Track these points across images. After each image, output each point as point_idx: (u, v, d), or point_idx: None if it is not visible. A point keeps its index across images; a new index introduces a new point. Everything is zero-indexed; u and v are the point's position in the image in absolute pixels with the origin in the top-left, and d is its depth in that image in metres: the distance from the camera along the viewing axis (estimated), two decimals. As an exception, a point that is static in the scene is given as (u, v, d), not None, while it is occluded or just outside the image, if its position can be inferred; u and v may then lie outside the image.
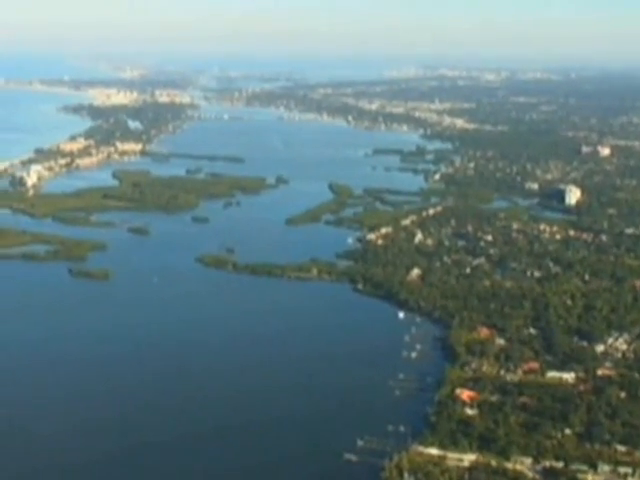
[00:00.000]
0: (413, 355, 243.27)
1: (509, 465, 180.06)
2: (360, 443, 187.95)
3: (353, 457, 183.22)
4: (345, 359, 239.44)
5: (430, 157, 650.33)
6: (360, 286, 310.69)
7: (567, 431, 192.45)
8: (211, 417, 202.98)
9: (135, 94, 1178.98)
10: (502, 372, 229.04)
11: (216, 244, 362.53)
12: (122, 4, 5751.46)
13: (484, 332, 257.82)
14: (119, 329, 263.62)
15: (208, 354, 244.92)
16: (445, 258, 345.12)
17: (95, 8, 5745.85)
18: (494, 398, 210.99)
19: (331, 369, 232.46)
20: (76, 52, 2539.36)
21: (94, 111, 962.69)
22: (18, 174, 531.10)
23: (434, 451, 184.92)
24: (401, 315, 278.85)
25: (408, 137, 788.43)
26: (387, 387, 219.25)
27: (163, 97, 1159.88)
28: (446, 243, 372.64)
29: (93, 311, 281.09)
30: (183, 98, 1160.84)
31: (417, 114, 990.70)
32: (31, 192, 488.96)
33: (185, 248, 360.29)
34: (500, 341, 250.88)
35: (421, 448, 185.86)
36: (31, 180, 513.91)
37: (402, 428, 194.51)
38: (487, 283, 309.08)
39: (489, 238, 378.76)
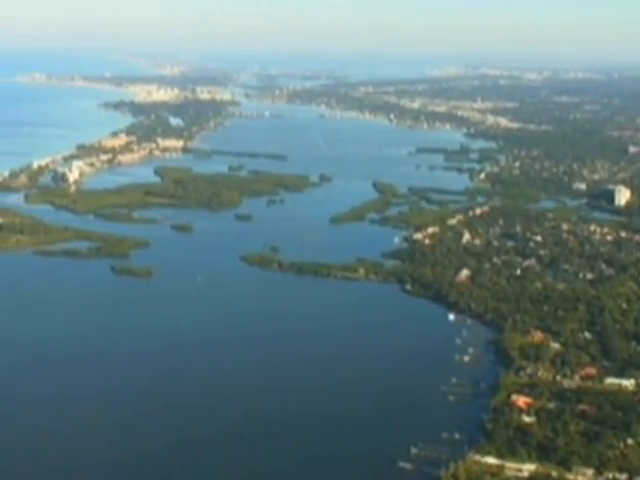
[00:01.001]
0: (465, 359, 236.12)
1: (570, 476, 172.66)
2: (414, 451, 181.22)
3: (407, 465, 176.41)
4: (396, 362, 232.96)
5: (474, 156, 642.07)
6: (408, 286, 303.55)
7: (629, 441, 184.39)
8: (259, 416, 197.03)
9: (176, 91, 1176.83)
10: (558, 378, 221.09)
11: (260, 242, 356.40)
12: (161, 1, 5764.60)
13: (538, 336, 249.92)
14: (165, 327, 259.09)
15: (256, 354, 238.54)
16: (494, 259, 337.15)
17: (134, 5, 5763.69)
18: (551, 405, 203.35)
19: (382, 372, 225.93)
20: (116, 49, 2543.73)
21: (135, 107, 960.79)
22: (60, 170, 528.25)
23: (491, 460, 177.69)
24: (451, 317, 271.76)
25: (451, 136, 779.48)
26: (440, 392, 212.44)
27: (204, 94, 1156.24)
28: (495, 243, 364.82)
29: (138, 309, 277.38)
30: (224, 95, 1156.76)
31: (460, 113, 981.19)
32: (73, 188, 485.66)
33: (229, 246, 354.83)
34: (555, 345, 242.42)
35: (478, 457, 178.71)
36: (73, 176, 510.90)
37: (457, 435, 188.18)
38: (539, 285, 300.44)
39: (538, 239, 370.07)
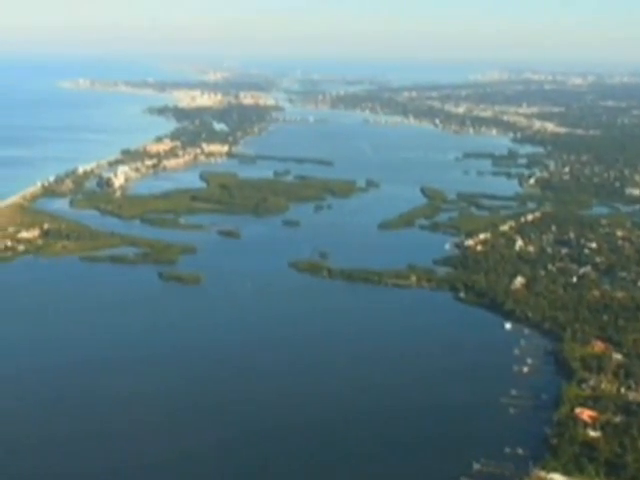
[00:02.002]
0: (525, 370, 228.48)
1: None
2: (476, 466, 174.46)
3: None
4: (453, 373, 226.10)
5: (522, 161, 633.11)
6: (462, 294, 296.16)
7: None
8: (318, 434, 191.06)
9: (219, 96, 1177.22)
10: (623, 390, 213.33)
11: (308, 249, 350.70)
12: (200, 7, 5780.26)
13: (599, 346, 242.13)
14: (219, 335, 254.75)
15: (310, 366, 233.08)
16: (549, 266, 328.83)
17: (175, 11, 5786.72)
18: (617, 419, 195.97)
19: (439, 384, 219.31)
20: (159, 55, 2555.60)
21: (179, 113, 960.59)
22: (105, 175, 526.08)
23: (558, 477, 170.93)
24: (508, 326, 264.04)
25: (498, 141, 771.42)
26: (500, 404, 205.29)
27: (247, 99, 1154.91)
28: (549, 250, 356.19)
29: (189, 316, 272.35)
30: (267, 100, 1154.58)
31: (505, 118, 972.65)
32: (118, 193, 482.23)
33: (277, 252, 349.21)
34: (617, 356, 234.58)
35: (543, 473, 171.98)
36: (118, 181, 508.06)
37: (520, 450, 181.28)
38: (596, 293, 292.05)
39: (593, 245, 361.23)
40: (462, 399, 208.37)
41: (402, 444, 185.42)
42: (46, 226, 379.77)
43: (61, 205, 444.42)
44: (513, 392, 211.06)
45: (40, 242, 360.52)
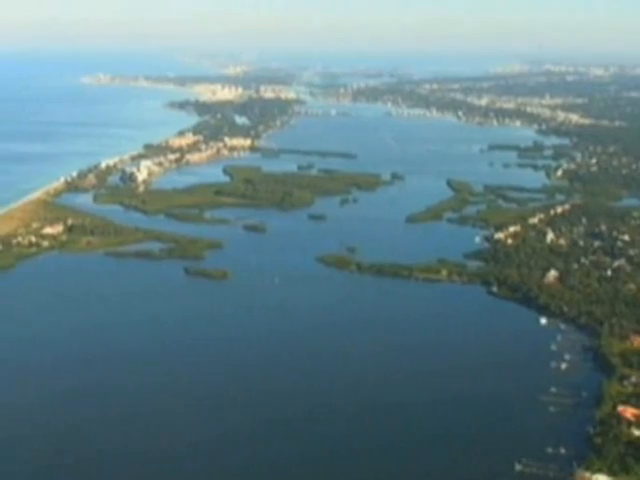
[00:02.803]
0: (563, 366, 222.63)
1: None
2: (518, 467, 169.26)
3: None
4: (490, 369, 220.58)
5: (548, 153, 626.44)
6: (494, 289, 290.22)
7: None
8: (352, 435, 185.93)
9: (240, 90, 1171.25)
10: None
11: (335, 243, 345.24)
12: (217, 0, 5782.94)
13: (638, 341, 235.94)
14: (252, 333, 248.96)
15: (346, 363, 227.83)
16: (582, 259, 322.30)
17: (193, 5, 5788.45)
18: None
19: (475, 381, 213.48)
20: (178, 49, 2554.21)
21: (200, 107, 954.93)
22: (128, 170, 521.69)
23: (603, 478, 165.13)
24: (543, 321, 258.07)
25: (522, 132, 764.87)
26: (539, 402, 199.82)
27: (268, 93, 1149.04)
28: (580, 243, 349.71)
29: (218, 312, 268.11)
30: (288, 94, 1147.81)
31: (529, 109, 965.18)
32: (142, 188, 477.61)
33: (304, 247, 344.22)
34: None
35: (587, 474, 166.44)
36: (141, 176, 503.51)
37: (562, 450, 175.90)
38: (632, 287, 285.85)
39: (626, 238, 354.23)
40: (500, 396, 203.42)
41: (441, 441, 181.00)
42: (70, 221, 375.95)
43: (84, 200, 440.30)
44: (552, 389, 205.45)
45: (64, 238, 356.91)
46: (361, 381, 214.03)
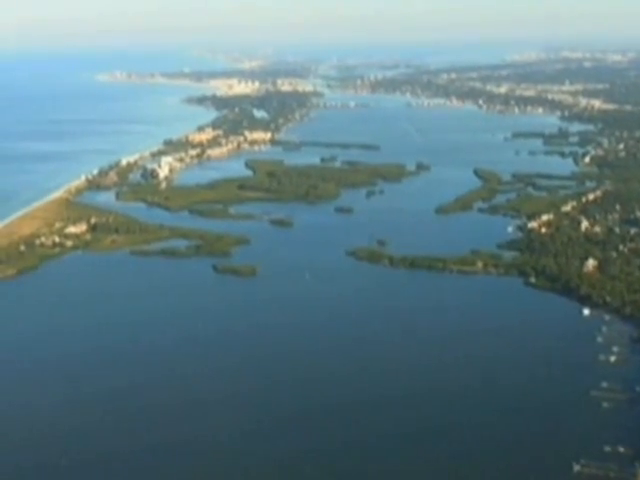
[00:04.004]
0: (612, 359, 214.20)
1: None
2: (577, 467, 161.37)
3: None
4: (535, 364, 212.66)
5: (574, 139, 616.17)
6: (532, 279, 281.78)
7: None
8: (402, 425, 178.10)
9: (257, 84, 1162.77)
10: None
11: (365, 236, 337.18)
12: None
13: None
14: (288, 330, 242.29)
15: (385, 356, 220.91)
16: (620, 247, 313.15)
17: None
18: None
19: (521, 376, 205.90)
20: (193, 45, 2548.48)
21: (218, 101, 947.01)
22: (149, 166, 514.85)
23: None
24: (586, 312, 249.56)
25: (545, 119, 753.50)
26: (591, 398, 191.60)
27: (285, 86, 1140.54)
28: (616, 230, 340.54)
29: (252, 310, 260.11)
30: (305, 87, 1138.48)
31: (550, 96, 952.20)
32: (164, 184, 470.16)
33: (332, 241, 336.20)
34: None
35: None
36: (163, 172, 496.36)
37: (621, 449, 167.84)
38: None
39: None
40: (550, 393, 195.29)
41: (494, 444, 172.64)
42: (93, 220, 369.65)
43: (107, 198, 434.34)
44: (604, 384, 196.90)
45: (88, 237, 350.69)
46: (411, 378, 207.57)
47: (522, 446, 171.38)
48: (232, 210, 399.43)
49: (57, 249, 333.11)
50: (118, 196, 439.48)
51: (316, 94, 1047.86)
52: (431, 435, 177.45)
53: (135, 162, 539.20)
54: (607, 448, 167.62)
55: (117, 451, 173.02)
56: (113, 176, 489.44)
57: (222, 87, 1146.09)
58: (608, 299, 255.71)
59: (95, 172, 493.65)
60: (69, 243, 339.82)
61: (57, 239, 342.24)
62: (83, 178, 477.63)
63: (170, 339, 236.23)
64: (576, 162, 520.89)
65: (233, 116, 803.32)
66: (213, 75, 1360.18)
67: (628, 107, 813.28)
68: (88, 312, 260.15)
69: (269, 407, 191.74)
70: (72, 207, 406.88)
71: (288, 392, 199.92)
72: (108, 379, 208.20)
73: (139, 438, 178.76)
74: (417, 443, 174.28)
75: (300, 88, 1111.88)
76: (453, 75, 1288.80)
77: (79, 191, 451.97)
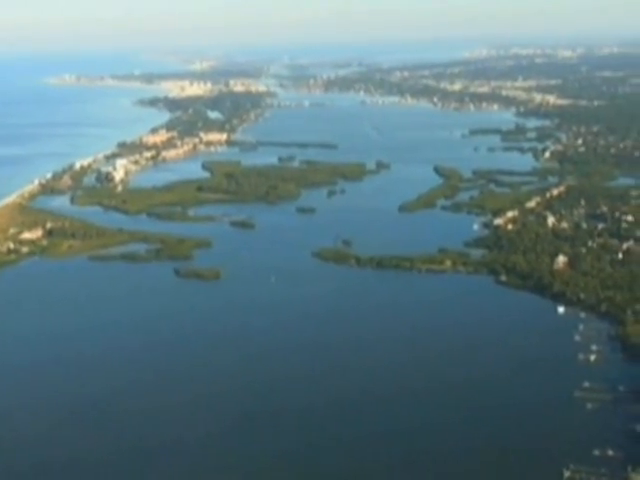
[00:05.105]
0: (592, 358, 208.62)
1: None
2: (567, 474, 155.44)
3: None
4: (515, 365, 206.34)
5: (532, 135, 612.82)
6: (503, 277, 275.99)
7: None
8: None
9: (209, 85, 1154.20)
10: None
11: (329, 236, 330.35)
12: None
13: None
14: (259, 334, 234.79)
15: (360, 360, 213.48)
16: (589, 243, 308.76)
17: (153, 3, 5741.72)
18: None
19: (501, 377, 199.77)
20: (143, 48, 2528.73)
21: (171, 103, 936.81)
22: (104, 169, 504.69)
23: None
24: (561, 310, 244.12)
25: (501, 116, 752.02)
26: (574, 399, 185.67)
27: (238, 86, 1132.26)
28: (584, 226, 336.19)
29: (219, 316, 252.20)
30: (258, 87, 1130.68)
31: (504, 92, 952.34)
32: (120, 188, 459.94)
33: (297, 242, 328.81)
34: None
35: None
36: (118, 175, 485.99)
37: (611, 452, 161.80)
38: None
39: (629, 218, 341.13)
40: (531, 395, 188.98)
41: (478, 449, 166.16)
42: (49, 225, 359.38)
43: (61, 202, 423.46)
44: (586, 384, 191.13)
45: (44, 242, 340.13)
46: (381, 380, 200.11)
47: (509, 453, 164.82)
48: (192, 212, 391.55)
49: (12, 255, 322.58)
50: (73, 200, 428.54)
51: (270, 94, 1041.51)
52: (408, 440, 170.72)
53: (89, 165, 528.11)
54: (596, 452, 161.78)
55: (79, 458, 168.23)
56: (67, 180, 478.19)
57: (174, 89, 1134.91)
58: (582, 296, 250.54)
59: (48, 176, 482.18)
60: (25, 249, 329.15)
61: (12, 245, 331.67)
62: (36, 182, 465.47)
63: (133, 345, 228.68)
64: (536, 158, 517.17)
65: (187, 117, 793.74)
66: (164, 77, 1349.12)
67: (582, 102, 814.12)
68: (48, 319, 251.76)
69: (237, 409, 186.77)
70: (26, 212, 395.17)
71: (254, 395, 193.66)
72: (67, 386, 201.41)
73: (101, 445, 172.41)
74: (394, 446, 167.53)
75: (253, 88, 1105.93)
76: (406, 73, 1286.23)
77: (33, 196, 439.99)
